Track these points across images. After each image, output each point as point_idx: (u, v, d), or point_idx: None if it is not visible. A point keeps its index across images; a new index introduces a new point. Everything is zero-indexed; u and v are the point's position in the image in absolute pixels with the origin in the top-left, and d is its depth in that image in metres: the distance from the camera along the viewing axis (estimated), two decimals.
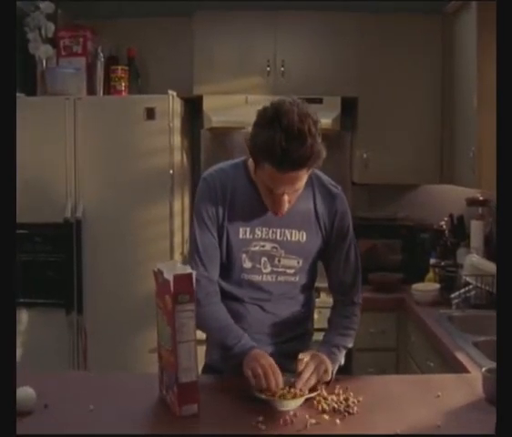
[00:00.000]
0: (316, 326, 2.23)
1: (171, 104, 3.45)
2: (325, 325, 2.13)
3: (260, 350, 1.87)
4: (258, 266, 2.02)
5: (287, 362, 1.88)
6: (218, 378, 2.02)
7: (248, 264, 2.02)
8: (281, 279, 2.04)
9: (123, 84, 3.67)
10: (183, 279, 1.66)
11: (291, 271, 2.04)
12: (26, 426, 1.63)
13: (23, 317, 3.49)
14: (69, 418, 1.71)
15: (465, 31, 3.51)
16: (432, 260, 3.66)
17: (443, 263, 3.60)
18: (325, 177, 2.09)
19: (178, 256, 3.54)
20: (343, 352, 2.03)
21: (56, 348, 3.48)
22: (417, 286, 3.50)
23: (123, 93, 3.68)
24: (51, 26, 3.61)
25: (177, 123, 3.55)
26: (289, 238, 2.02)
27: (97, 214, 3.47)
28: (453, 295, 3.24)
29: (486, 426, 1.55)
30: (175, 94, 3.51)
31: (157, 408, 1.80)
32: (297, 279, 2.06)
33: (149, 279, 3.33)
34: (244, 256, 2.01)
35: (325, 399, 1.79)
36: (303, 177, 1.84)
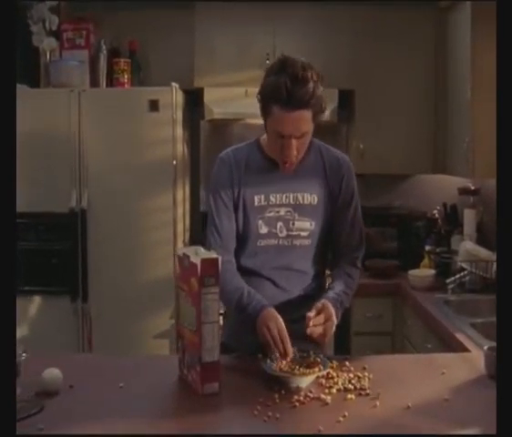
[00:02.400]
0: None
1: (174, 96, 3.52)
2: None
3: (270, 311, 1.99)
4: (274, 230, 2.14)
5: (295, 342, 1.96)
6: (234, 357, 2.11)
7: (264, 229, 2.14)
8: (296, 242, 2.15)
9: (126, 76, 3.75)
10: (210, 263, 1.76)
11: (305, 234, 2.16)
12: (55, 405, 1.72)
13: (28, 305, 3.56)
14: (95, 396, 1.80)
15: (459, 22, 3.60)
16: (427, 247, 3.76)
17: (438, 250, 3.71)
18: (333, 148, 2.26)
19: (180, 244, 3.62)
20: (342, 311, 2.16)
21: (62, 335, 3.55)
22: (414, 271, 3.60)
23: (126, 85, 3.75)
24: (55, 19, 3.68)
25: (179, 115, 3.62)
26: (301, 201, 2.15)
27: (101, 204, 3.54)
28: (448, 280, 3.35)
29: (490, 400, 1.64)
30: (177, 86, 3.58)
31: (179, 388, 1.88)
32: (310, 241, 2.16)
33: (153, 267, 3.50)
34: (260, 222, 2.14)
35: (337, 376, 1.88)
36: (308, 121, 2.00)
